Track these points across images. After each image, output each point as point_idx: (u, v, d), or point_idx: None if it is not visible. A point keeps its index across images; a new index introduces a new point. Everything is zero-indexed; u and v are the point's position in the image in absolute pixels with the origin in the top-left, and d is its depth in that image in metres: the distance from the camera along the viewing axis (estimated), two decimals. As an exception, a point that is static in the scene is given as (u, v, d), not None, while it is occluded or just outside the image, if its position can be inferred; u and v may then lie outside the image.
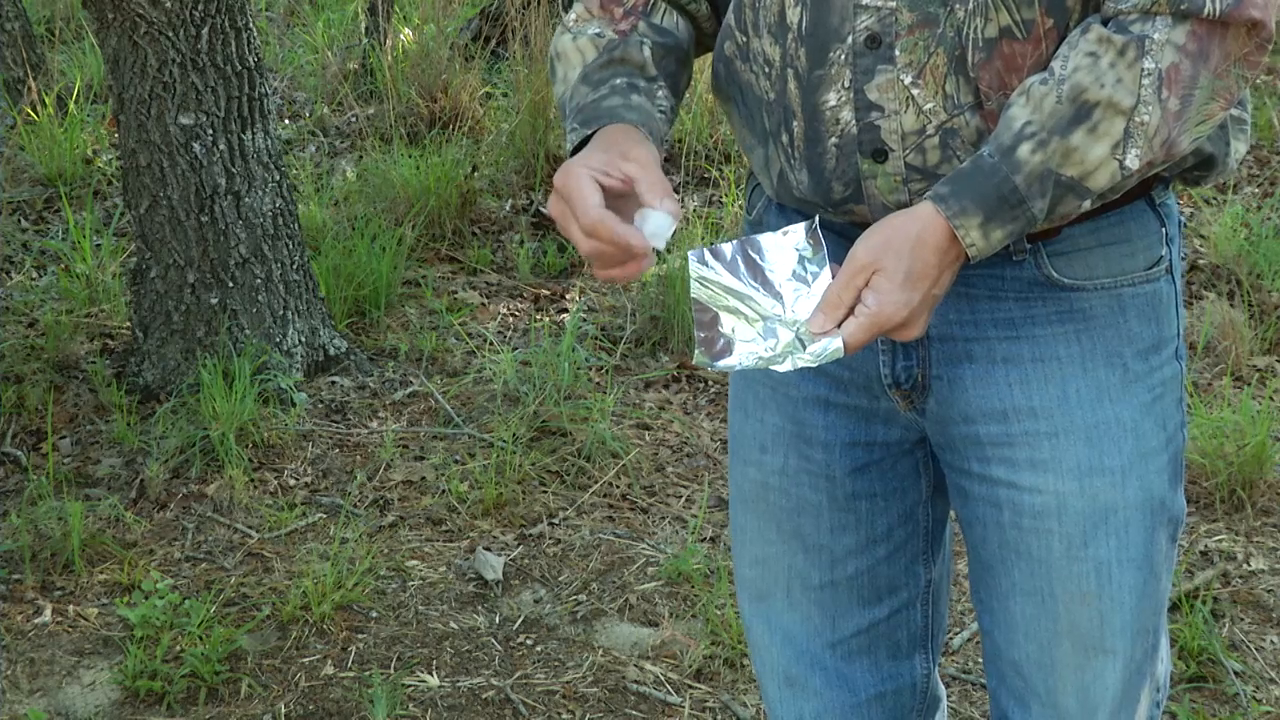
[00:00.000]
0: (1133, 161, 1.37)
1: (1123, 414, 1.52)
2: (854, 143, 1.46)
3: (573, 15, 1.58)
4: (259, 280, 3.73)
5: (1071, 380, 1.51)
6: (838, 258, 1.41)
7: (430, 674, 2.82)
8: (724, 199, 4.81)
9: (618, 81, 1.51)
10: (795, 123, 1.49)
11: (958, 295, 1.50)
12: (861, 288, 1.37)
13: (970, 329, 1.52)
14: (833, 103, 1.46)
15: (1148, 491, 1.54)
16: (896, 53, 1.42)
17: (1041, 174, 1.37)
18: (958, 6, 1.40)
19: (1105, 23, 1.38)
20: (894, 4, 1.42)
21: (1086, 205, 1.40)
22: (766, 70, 1.51)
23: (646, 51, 1.54)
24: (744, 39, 1.53)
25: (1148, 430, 1.54)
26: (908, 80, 1.43)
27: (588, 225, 1.38)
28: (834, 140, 1.47)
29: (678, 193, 4.87)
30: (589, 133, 1.47)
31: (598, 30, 1.55)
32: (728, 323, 1.41)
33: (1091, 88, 1.36)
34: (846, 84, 1.45)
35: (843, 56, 1.44)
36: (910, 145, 1.44)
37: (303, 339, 3.80)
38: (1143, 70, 1.35)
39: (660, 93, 1.53)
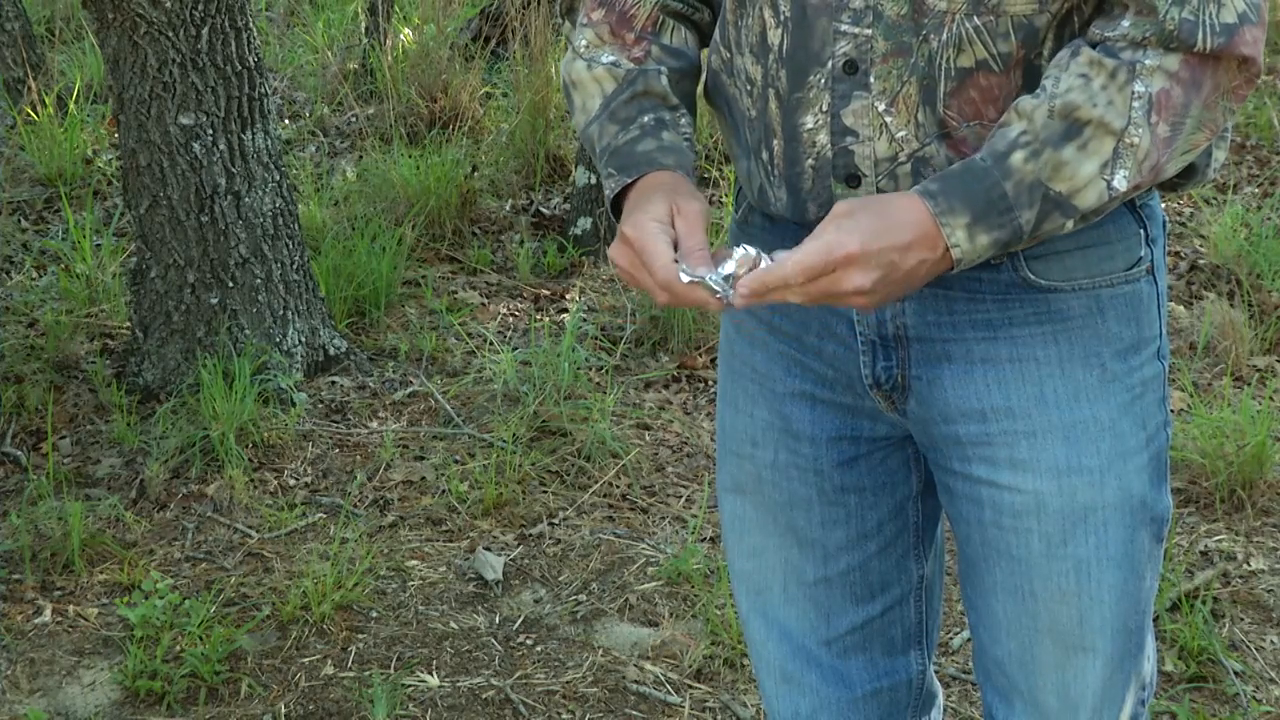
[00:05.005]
0: (1120, 183, 1.38)
1: (1100, 414, 1.53)
2: (829, 166, 1.48)
3: (583, 41, 1.60)
4: (259, 280, 3.73)
5: (1049, 380, 1.52)
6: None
7: (430, 674, 2.82)
8: (724, 199, 4.82)
9: (646, 120, 1.54)
10: (775, 141, 1.51)
11: (936, 296, 1.51)
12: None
13: (948, 330, 1.53)
14: (810, 125, 1.47)
15: (1127, 491, 1.55)
16: (872, 80, 1.44)
17: (1031, 184, 1.37)
18: (931, 37, 1.41)
19: (1094, 46, 1.39)
20: (870, 31, 1.43)
21: (1070, 226, 1.41)
22: (749, 88, 1.53)
23: (665, 80, 1.57)
24: (728, 55, 1.55)
25: (1126, 430, 1.54)
26: (882, 107, 1.44)
27: (663, 281, 1.41)
28: (810, 162, 1.49)
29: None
30: (629, 180, 1.51)
31: (613, 58, 1.58)
32: None
33: (1084, 106, 1.37)
34: (824, 108, 1.46)
35: (821, 80, 1.46)
36: (883, 172, 1.46)
37: (303, 339, 3.80)
38: (1133, 93, 1.36)
39: (683, 120, 1.56)
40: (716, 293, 1.39)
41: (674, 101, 1.56)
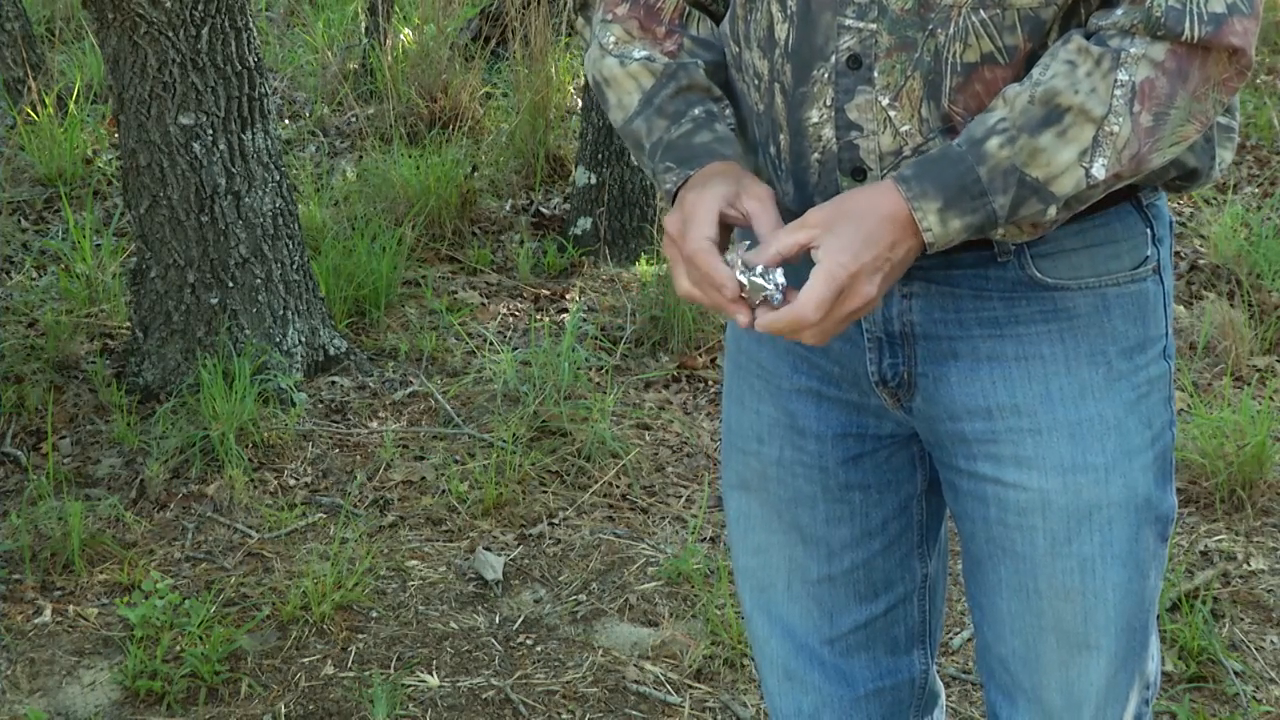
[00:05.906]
0: (1099, 171, 1.38)
1: (1106, 412, 1.53)
2: (834, 160, 1.48)
3: (610, 37, 1.58)
4: (259, 280, 3.73)
5: (1055, 378, 1.52)
6: None
7: (430, 674, 2.82)
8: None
9: (697, 113, 1.53)
10: (782, 136, 1.51)
11: (943, 294, 1.52)
12: (803, 242, 1.38)
13: (955, 328, 1.53)
14: (815, 120, 1.48)
15: (1132, 489, 1.55)
16: (875, 74, 1.44)
17: (1006, 169, 1.38)
18: (938, 31, 1.42)
19: (1088, 37, 1.40)
20: (874, 26, 1.43)
21: (1052, 213, 1.41)
22: (756, 83, 1.53)
23: (704, 72, 1.56)
24: (736, 50, 1.55)
25: (1132, 428, 1.54)
26: (885, 102, 1.44)
27: (688, 251, 1.41)
28: (816, 156, 1.49)
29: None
30: (690, 173, 1.50)
31: (646, 53, 1.56)
32: None
33: (1065, 92, 1.37)
34: (828, 102, 1.46)
35: (825, 75, 1.46)
36: (888, 165, 1.46)
37: (303, 339, 3.80)
38: (1116, 81, 1.36)
39: (728, 112, 1.55)
40: (767, 291, 1.38)
41: (717, 94, 1.56)
